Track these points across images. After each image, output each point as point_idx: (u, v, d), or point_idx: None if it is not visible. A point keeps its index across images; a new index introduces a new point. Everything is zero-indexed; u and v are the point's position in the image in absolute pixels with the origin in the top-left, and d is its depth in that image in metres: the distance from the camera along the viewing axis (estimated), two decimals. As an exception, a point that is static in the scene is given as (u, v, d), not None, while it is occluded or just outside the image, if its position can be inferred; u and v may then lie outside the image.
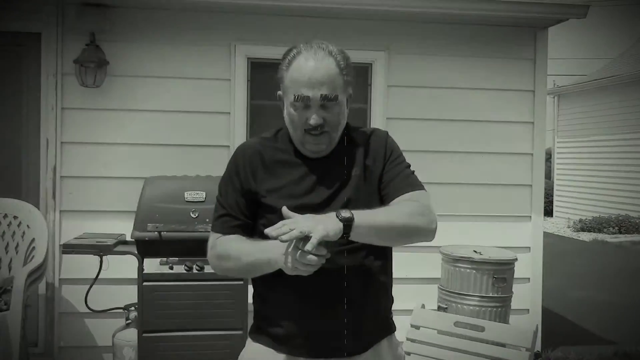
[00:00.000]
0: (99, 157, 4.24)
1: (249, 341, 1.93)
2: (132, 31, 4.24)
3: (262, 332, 1.86)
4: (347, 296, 1.78)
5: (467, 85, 4.53)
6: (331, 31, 4.35)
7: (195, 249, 3.68)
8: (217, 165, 4.20)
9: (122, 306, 3.94)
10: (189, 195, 3.78)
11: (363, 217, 1.62)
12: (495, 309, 4.09)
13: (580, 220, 13.31)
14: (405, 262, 4.45)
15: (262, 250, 1.69)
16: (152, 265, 3.72)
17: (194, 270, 3.71)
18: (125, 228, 4.05)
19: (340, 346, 1.79)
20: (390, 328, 1.96)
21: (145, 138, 4.26)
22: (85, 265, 4.03)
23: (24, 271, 3.60)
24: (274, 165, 1.83)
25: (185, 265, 3.72)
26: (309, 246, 1.50)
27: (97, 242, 3.72)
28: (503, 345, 3.19)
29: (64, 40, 4.19)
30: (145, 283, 3.67)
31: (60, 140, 4.20)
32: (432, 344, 3.28)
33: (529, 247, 4.58)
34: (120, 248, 3.78)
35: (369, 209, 1.69)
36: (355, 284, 1.79)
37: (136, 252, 3.72)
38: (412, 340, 3.34)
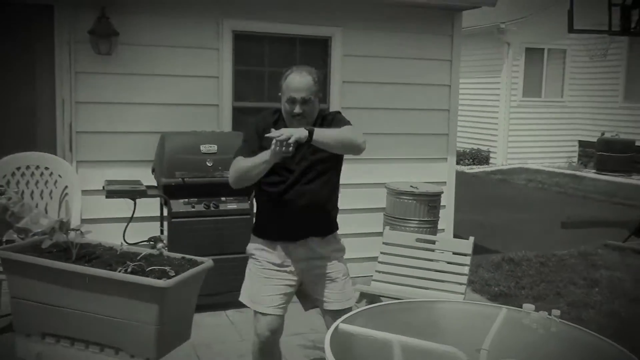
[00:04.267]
0: (110, 115, 4.93)
1: (252, 236, 3.22)
2: (136, 6, 4.90)
3: (261, 232, 3.16)
4: (306, 209, 3.01)
5: (403, 55, 5.70)
6: (298, 10, 5.32)
7: (212, 191, 4.69)
8: (209, 121, 5.15)
9: (147, 239, 4.79)
10: (204, 148, 4.67)
11: (320, 131, 2.82)
12: (428, 229, 5.43)
13: (441, 154, 15.29)
14: (357, 196, 5.69)
15: (259, 157, 2.84)
16: (177, 205, 4.60)
17: (211, 208, 4.65)
18: (137, 175, 4.86)
19: (300, 235, 3.05)
20: (333, 229, 3.19)
21: (150, 98, 5.00)
22: (98, 207, 4.79)
23: (76, 212, 4.34)
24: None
25: (204, 204, 4.65)
26: (290, 141, 2.67)
27: (131, 187, 4.53)
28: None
29: (76, 11, 4.77)
30: (173, 219, 4.57)
31: (75, 100, 4.84)
32: (399, 255, 4.55)
33: (445, 182, 5.96)
34: (149, 192, 4.61)
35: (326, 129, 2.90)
36: (311, 202, 3.01)
37: (164, 194, 4.59)
38: (385, 253, 4.60)
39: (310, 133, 2.75)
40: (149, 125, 4.97)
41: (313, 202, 3.02)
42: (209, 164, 4.64)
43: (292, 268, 3.09)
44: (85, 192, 4.75)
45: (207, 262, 2.54)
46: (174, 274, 2.33)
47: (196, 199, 4.65)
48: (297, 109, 2.91)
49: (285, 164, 2.95)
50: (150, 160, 4.86)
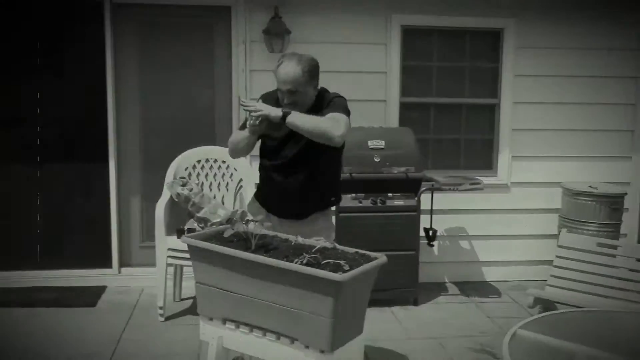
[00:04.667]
0: (281, 111, 5.10)
1: (252, 199, 3.38)
2: (308, 4, 5.03)
3: (258, 197, 3.34)
4: (297, 186, 3.12)
5: (582, 45, 5.30)
6: (469, 2, 5.16)
7: (379, 187, 4.68)
8: (376, 117, 5.14)
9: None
10: (371, 144, 4.67)
11: (295, 115, 2.92)
12: (608, 233, 5.03)
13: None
14: (530, 195, 5.41)
15: (245, 131, 3.06)
16: (345, 199, 4.63)
17: (378, 204, 4.65)
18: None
19: (291, 213, 3.18)
20: (325, 206, 3.28)
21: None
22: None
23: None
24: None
25: (371, 199, 4.65)
26: (254, 114, 2.92)
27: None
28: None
29: (251, 12, 4.99)
30: (340, 214, 4.62)
31: (249, 98, 5.05)
32: (577, 259, 4.24)
33: (629, 182, 5.48)
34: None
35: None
36: (301, 182, 3.11)
37: (332, 189, 4.66)
38: (561, 257, 4.30)
39: (285, 114, 2.90)
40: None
41: (300, 187, 3.12)
42: (376, 160, 4.63)
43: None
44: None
45: (381, 257, 2.51)
46: (348, 268, 2.33)
47: (363, 195, 4.67)
48: (287, 100, 3.02)
49: (279, 146, 3.11)
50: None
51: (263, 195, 3.30)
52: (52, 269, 5.05)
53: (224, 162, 4.86)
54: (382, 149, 4.65)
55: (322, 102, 3.08)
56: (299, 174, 3.11)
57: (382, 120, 5.19)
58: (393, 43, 5.14)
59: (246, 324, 2.53)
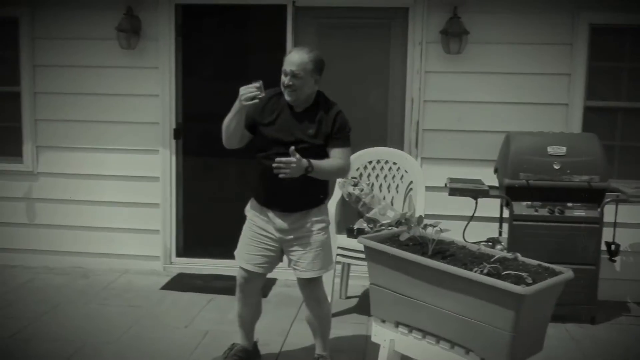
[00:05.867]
0: (455, 112, 5.00)
1: (251, 198, 3.51)
2: (488, 4, 4.87)
3: (253, 192, 3.49)
4: (287, 187, 3.19)
5: None
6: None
7: (557, 195, 4.42)
8: (556, 122, 4.86)
9: (485, 239, 4.74)
10: (551, 150, 4.41)
11: (317, 164, 3.13)
12: None
13: None
14: None
15: (232, 109, 3.23)
16: (520, 207, 4.45)
17: (556, 213, 4.38)
18: (477, 174, 4.81)
19: (283, 207, 3.35)
20: (317, 203, 3.41)
21: (495, 97, 4.93)
22: (438, 203, 4.84)
23: (420, 207, 4.50)
24: (272, 106, 3.32)
25: (549, 208, 4.40)
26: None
27: (474, 186, 4.52)
28: None
29: (429, 13, 4.93)
30: (514, 222, 4.42)
31: (423, 99, 5.01)
32: None
33: None
34: (491, 193, 4.55)
35: (321, 160, 3.21)
36: (291, 181, 3.13)
37: (506, 195, 4.49)
38: None
39: (309, 170, 3.11)
40: (493, 125, 4.91)
41: (293, 181, 3.17)
42: (555, 167, 4.38)
43: (273, 234, 3.41)
44: (427, 188, 4.89)
45: (567, 273, 2.36)
46: (531, 281, 2.21)
47: (540, 203, 4.43)
48: (287, 81, 3.21)
49: (275, 140, 3.28)
50: (491, 160, 4.78)
51: (259, 190, 3.42)
52: (227, 259, 5.34)
53: (395, 163, 4.85)
54: (562, 155, 4.38)
55: (321, 107, 3.32)
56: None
57: (564, 125, 4.90)
58: (580, 42, 4.83)
59: (419, 330, 2.50)
